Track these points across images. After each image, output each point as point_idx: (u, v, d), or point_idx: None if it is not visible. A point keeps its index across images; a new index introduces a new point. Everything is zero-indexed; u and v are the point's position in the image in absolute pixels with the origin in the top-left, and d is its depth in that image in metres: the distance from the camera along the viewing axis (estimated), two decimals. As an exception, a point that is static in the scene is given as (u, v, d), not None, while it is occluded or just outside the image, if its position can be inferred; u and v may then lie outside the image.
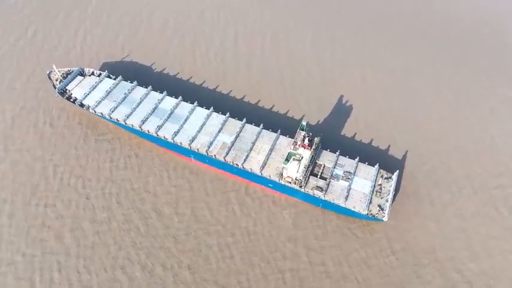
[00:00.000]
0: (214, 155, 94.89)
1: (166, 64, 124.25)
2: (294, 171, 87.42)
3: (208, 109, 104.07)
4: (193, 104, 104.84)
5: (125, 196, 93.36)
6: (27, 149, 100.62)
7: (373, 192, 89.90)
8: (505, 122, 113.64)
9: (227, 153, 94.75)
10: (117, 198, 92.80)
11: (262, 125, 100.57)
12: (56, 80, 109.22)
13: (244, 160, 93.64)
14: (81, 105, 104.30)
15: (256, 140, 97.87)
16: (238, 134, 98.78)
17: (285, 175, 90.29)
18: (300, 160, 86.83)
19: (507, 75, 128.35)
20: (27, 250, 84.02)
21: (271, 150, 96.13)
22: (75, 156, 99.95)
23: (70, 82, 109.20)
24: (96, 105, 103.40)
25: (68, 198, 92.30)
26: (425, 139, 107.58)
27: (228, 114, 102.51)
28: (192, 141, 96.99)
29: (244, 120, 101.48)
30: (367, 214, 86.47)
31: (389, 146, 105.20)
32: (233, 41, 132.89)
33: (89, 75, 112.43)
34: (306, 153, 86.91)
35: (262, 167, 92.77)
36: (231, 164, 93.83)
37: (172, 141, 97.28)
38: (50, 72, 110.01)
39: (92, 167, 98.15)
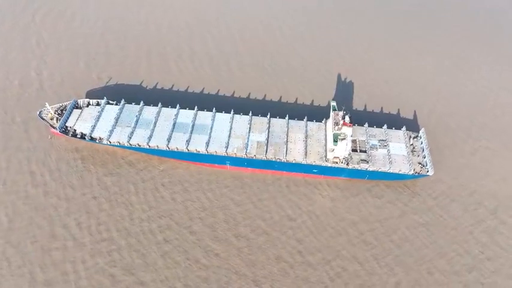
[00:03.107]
0: (254, 156, 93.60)
1: (156, 79, 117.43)
2: (342, 150, 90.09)
3: (228, 113, 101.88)
4: (211, 111, 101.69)
5: (171, 231, 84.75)
6: (36, 206, 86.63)
7: (409, 152, 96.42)
8: (489, 75, 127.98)
9: (266, 151, 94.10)
10: (164, 235, 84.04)
11: (287, 116, 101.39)
12: (51, 119, 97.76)
13: (286, 153, 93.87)
14: (92, 139, 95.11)
15: (287, 131, 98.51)
16: (269, 130, 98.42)
17: (330, 157, 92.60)
18: (345, 139, 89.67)
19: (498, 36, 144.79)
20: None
21: (305, 137, 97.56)
22: (97, 201, 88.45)
23: (68, 118, 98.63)
24: (110, 135, 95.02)
25: (107, 251, 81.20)
26: (429, 98, 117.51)
27: (250, 114, 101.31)
28: (227, 147, 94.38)
29: (269, 115, 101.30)
30: (414, 173, 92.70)
31: (398, 109, 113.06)
32: (210, 43, 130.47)
33: (86, 107, 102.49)
34: (349, 131, 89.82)
35: (305, 155, 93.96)
36: (274, 160, 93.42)
37: (206, 153, 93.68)
38: (40, 112, 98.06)
39: (120, 207, 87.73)
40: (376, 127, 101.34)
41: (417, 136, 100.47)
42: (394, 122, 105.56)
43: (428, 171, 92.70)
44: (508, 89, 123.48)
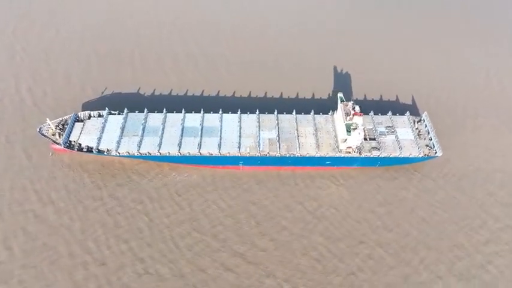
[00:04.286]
0: (268, 153, 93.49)
1: (152, 85, 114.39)
2: (356, 139, 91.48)
3: (233, 113, 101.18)
4: (218, 112, 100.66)
5: (193, 240, 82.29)
6: (47, 230, 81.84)
7: (416, 136, 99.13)
8: (479, 59, 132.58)
9: (279, 147, 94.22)
10: (186, 245, 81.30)
11: (295, 111, 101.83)
12: (53, 135, 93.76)
13: (299, 148, 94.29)
14: (99, 151, 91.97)
15: (297, 126, 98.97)
16: (278, 126, 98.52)
17: (343, 147, 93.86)
18: (357, 128, 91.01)
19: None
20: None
21: (315, 130, 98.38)
22: (110, 216, 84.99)
23: (71, 132, 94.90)
24: (118, 146, 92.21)
25: (130, 267, 77.84)
26: (425, 83, 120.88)
27: (258, 112, 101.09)
28: (239, 147, 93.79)
29: (276, 111, 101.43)
30: (423, 156, 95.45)
31: (397, 96, 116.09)
32: (203, 43, 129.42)
33: (88, 119, 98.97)
34: (360, 120, 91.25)
35: (318, 148, 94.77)
36: (287, 155, 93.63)
37: (220, 154, 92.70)
38: (40, 129, 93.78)
39: (136, 221, 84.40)
40: (381, 115, 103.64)
41: (420, 120, 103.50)
42: (394, 108, 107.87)
43: (436, 152, 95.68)
44: (496, 68, 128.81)
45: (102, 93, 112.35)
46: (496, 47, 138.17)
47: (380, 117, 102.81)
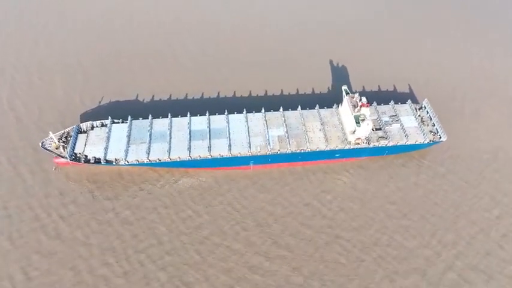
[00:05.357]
0: (278, 150, 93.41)
1: (149, 91, 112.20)
2: (365, 130, 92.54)
3: (241, 113, 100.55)
4: (224, 114, 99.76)
5: (209, 252, 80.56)
6: (53, 256, 78.37)
7: (420, 123, 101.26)
8: (467, 47, 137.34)
9: (289, 144, 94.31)
10: (203, 258, 79.59)
11: (300, 107, 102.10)
12: (57, 148, 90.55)
13: (308, 143, 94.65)
14: (107, 162, 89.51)
15: (304, 122, 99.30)
16: (285, 123, 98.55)
17: (352, 139, 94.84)
18: (365, 119, 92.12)
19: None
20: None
21: (322, 124, 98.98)
22: (120, 236, 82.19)
23: (75, 144, 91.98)
24: (126, 155, 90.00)
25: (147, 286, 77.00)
26: (418, 72, 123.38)
27: (263, 110, 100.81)
28: (249, 147, 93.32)
29: (281, 109, 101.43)
30: (429, 141, 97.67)
31: (394, 86, 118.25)
32: (196, 44, 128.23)
33: (91, 129, 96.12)
34: (367, 111, 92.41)
35: (327, 141, 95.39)
36: (298, 151, 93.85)
37: (230, 155, 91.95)
38: (43, 143, 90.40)
39: (147, 236, 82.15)
40: (383, 104, 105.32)
41: (422, 107, 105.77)
42: (393, 98, 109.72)
43: (441, 137, 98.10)
44: (481, 56, 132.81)
45: (100, 102, 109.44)
46: (484, 37, 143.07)
47: (383, 107, 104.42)
